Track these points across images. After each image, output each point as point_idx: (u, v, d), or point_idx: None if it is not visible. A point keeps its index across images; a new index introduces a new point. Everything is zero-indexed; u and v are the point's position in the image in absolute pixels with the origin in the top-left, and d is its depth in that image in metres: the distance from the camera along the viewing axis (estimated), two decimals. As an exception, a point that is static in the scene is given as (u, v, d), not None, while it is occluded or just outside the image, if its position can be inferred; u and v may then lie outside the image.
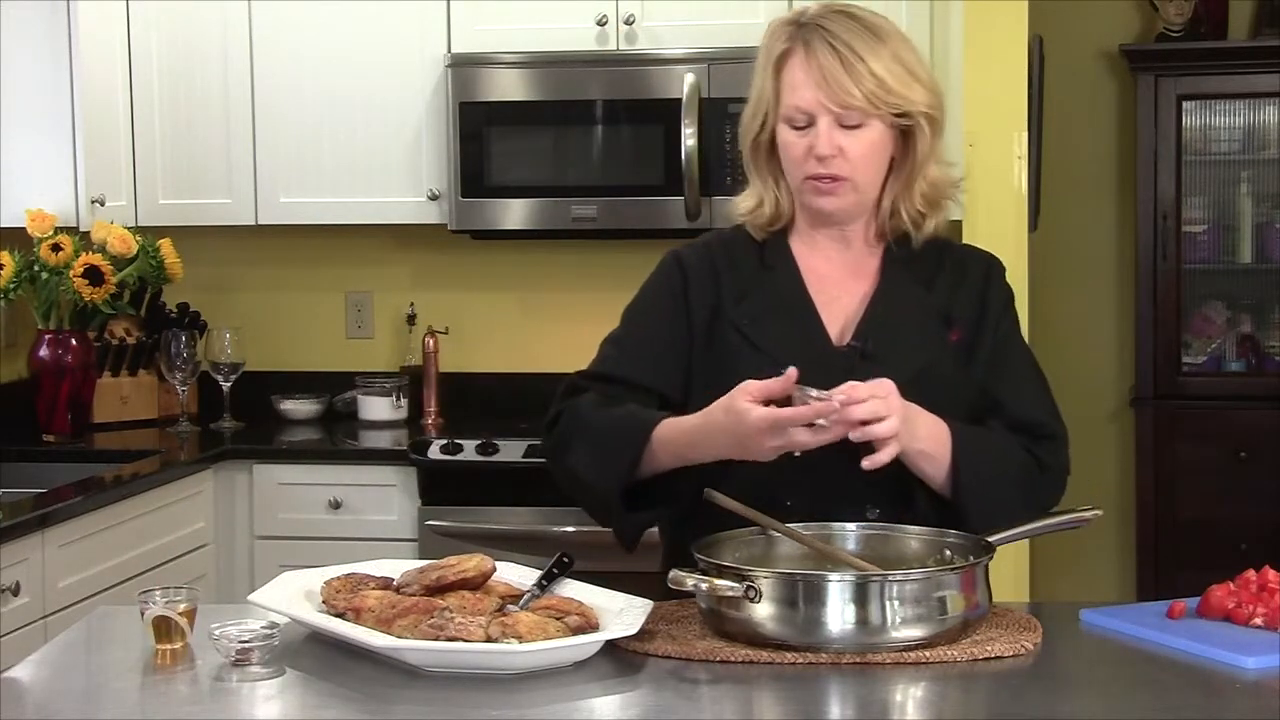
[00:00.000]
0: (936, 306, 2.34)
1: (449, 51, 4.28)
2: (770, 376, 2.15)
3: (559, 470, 2.34)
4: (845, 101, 2.23)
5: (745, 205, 2.40)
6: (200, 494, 4.04)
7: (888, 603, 1.99)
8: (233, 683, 1.97)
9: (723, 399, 2.14)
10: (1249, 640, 2.04)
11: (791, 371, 2.10)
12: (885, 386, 2.13)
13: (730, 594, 2.01)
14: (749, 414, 2.09)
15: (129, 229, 4.21)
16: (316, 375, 4.70)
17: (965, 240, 3.76)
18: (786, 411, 2.08)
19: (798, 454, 2.13)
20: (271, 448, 4.25)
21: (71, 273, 4.05)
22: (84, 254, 4.07)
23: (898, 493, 2.25)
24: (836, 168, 2.26)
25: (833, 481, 2.23)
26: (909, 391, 2.22)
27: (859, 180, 2.28)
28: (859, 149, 2.26)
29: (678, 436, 2.20)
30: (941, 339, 2.33)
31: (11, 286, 4.05)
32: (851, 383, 2.12)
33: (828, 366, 2.26)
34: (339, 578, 2.20)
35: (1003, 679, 1.98)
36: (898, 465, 2.18)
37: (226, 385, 4.46)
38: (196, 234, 4.49)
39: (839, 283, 2.35)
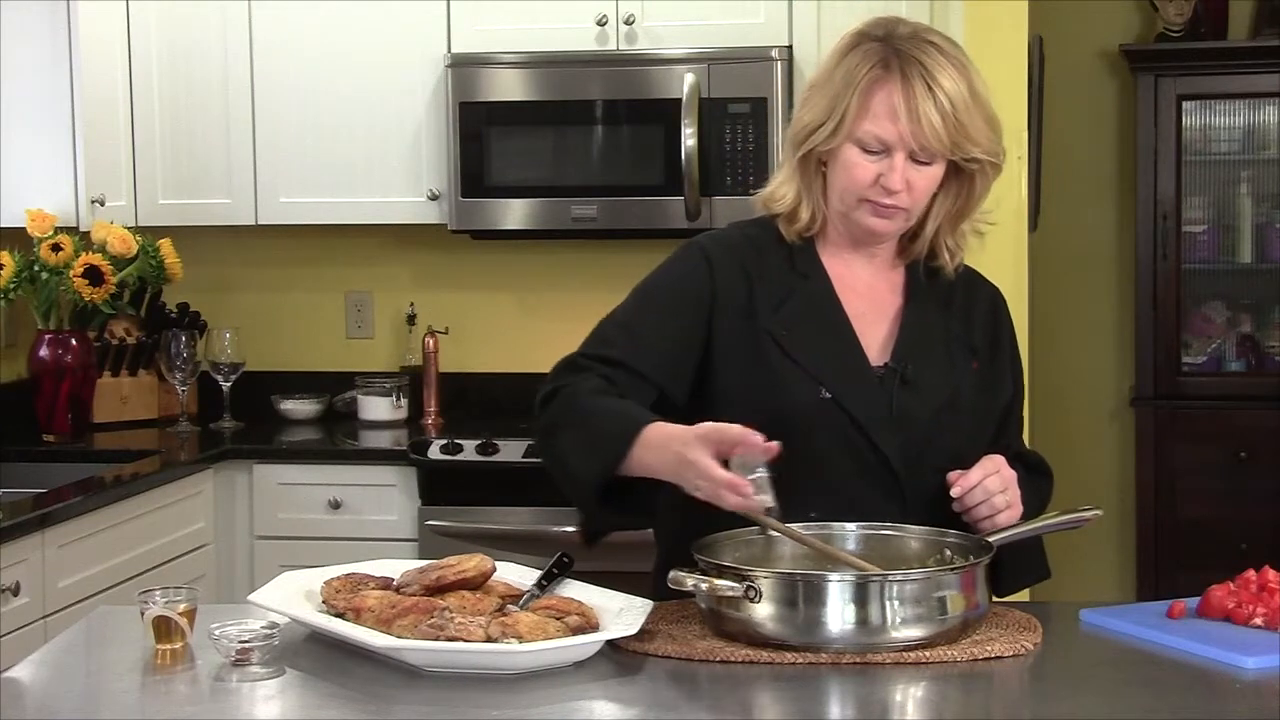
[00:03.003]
0: (958, 332, 2.35)
1: (449, 51, 4.28)
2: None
3: (544, 451, 2.27)
4: (930, 146, 2.21)
5: (782, 199, 2.33)
6: (200, 494, 4.04)
7: (888, 603, 1.99)
8: (233, 683, 1.97)
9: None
10: (1249, 640, 2.04)
11: (771, 445, 2.03)
12: (997, 462, 2.20)
13: (730, 594, 2.01)
14: (692, 434, 2.05)
15: (129, 229, 4.20)
16: (316, 375, 4.70)
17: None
18: (720, 473, 2.02)
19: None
20: (271, 448, 4.24)
21: (71, 273, 4.05)
22: (84, 254, 4.07)
23: (924, 512, 2.24)
24: (900, 200, 2.24)
25: (858, 496, 2.23)
26: (939, 417, 2.25)
27: (915, 211, 2.28)
28: (924, 184, 2.25)
29: (652, 440, 2.11)
30: (966, 365, 2.33)
31: (11, 286, 4.05)
32: (984, 467, 2.18)
33: (867, 386, 2.26)
34: (339, 578, 2.20)
35: (1003, 679, 1.98)
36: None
37: (226, 385, 4.46)
38: (196, 234, 4.49)
39: (864, 296, 2.34)
